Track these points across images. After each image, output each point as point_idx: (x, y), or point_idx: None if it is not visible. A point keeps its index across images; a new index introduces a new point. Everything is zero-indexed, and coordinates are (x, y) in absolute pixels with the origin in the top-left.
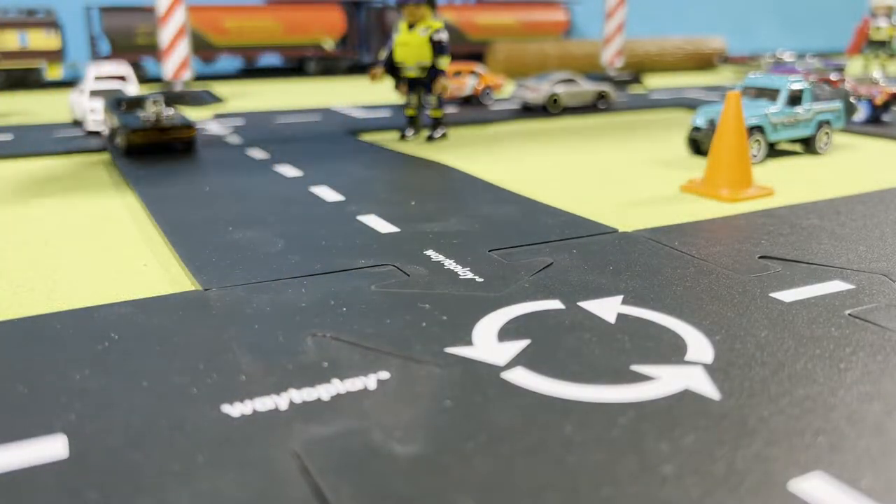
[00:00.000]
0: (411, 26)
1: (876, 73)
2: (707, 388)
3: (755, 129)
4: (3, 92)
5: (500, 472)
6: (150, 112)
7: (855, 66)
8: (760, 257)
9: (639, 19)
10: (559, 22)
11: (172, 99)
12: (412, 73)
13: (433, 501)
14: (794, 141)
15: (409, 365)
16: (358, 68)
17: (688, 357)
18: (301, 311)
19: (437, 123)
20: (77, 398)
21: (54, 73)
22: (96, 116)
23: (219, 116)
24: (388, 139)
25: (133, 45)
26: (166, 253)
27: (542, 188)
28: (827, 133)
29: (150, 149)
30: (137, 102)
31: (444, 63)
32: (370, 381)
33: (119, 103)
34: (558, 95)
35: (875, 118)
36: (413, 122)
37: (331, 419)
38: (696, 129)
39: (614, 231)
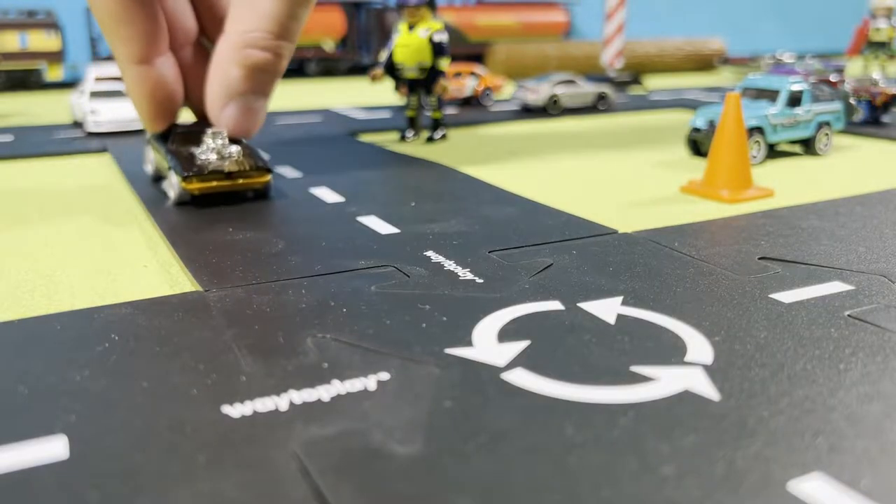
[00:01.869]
0: (411, 27)
1: (876, 74)
2: (707, 388)
3: (755, 131)
4: (4, 93)
5: (500, 473)
6: (208, 149)
7: (855, 67)
8: (760, 258)
9: (638, 20)
10: (559, 23)
11: None
12: (412, 74)
13: (433, 502)
14: (793, 142)
15: (409, 366)
16: (358, 69)
17: (687, 358)
18: (301, 311)
19: (437, 124)
20: (77, 399)
21: (55, 74)
22: (97, 117)
23: None
24: (388, 140)
25: None
26: (166, 254)
27: (542, 189)
28: (827, 134)
29: (211, 199)
30: (191, 136)
31: (444, 64)
32: (370, 382)
33: (167, 136)
34: (558, 96)
35: (875, 119)
36: (413, 123)
37: (331, 420)
38: (696, 130)
39: (614, 232)
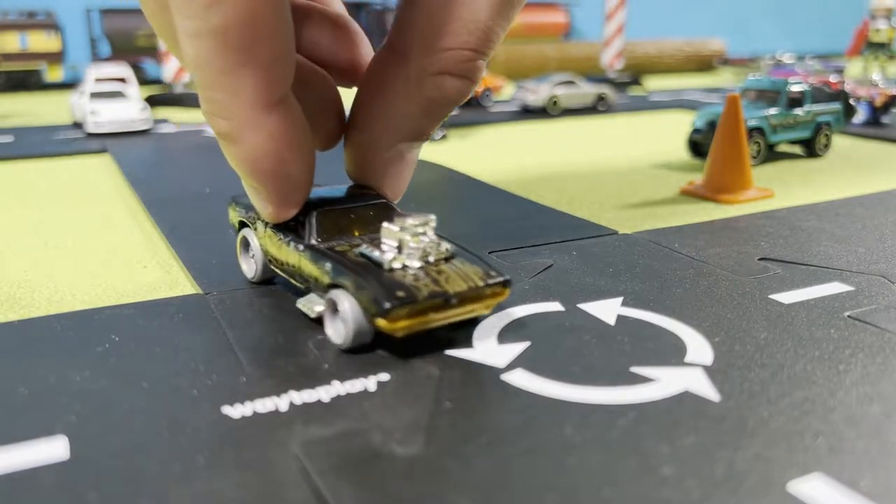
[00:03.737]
0: None
1: (875, 75)
2: (707, 389)
3: (755, 131)
4: (4, 93)
5: (499, 474)
6: (406, 251)
7: (855, 67)
8: (760, 259)
9: (638, 21)
10: (559, 24)
11: (172, 101)
12: None
13: (433, 502)
14: (793, 142)
15: (409, 366)
16: None
17: (687, 359)
18: (301, 313)
19: None
20: (78, 400)
21: (54, 74)
22: (97, 118)
23: None
24: None
25: (133, 47)
26: (166, 254)
27: (542, 190)
28: (826, 135)
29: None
30: (344, 218)
31: None
32: (370, 383)
33: (300, 220)
34: (558, 97)
35: (874, 120)
36: None
37: (331, 420)
38: (696, 130)
39: (614, 233)
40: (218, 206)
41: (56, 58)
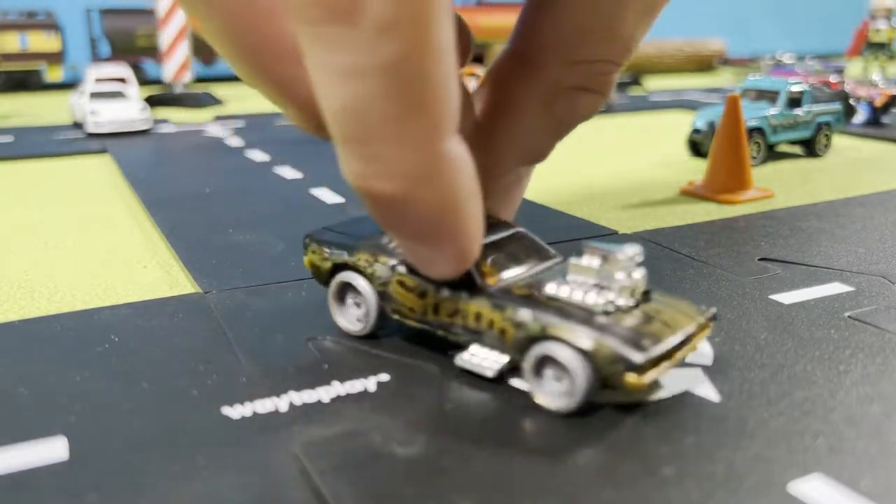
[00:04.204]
0: None
1: (875, 75)
2: (707, 390)
3: (755, 131)
4: (4, 93)
5: (500, 475)
6: (614, 287)
7: (855, 67)
8: (760, 259)
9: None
10: None
11: (172, 101)
12: None
13: (433, 503)
14: (793, 143)
15: (409, 367)
16: None
17: (687, 359)
18: (301, 313)
19: None
20: (77, 400)
21: (54, 74)
22: (97, 118)
23: (219, 118)
24: None
25: (133, 47)
26: (166, 254)
27: (542, 190)
28: (826, 135)
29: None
30: (511, 252)
31: None
32: (370, 384)
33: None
34: None
35: (875, 120)
36: None
37: (331, 421)
38: (696, 131)
39: (614, 233)
40: (218, 206)
41: (56, 58)
